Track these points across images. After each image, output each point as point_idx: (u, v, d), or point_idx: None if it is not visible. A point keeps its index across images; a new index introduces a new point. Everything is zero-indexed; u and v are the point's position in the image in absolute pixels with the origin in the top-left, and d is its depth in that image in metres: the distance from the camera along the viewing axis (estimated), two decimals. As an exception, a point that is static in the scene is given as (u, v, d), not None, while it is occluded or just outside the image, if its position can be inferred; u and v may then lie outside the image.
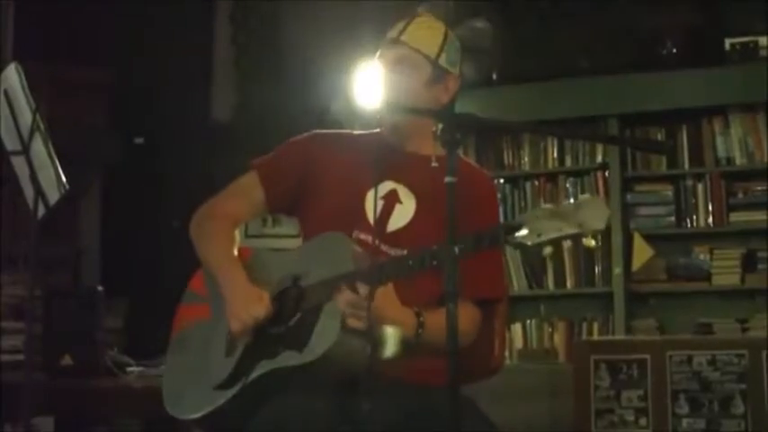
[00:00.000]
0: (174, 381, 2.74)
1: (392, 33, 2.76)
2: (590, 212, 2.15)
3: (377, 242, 2.62)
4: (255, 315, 2.55)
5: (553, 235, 2.18)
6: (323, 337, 2.44)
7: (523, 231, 2.20)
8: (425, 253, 2.34)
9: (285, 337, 2.52)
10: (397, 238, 2.65)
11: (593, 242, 2.19)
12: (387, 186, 2.71)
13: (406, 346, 2.46)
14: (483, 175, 2.95)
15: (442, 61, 2.74)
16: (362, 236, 2.65)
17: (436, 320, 2.39)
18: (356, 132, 2.90)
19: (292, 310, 2.56)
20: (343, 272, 2.47)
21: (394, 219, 2.70)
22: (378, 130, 2.83)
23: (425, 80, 2.73)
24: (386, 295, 2.44)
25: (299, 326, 2.52)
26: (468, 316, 2.59)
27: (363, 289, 2.39)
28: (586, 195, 2.22)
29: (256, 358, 2.54)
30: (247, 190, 2.82)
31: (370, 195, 2.70)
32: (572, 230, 2.16)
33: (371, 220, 2.68)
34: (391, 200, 2.70)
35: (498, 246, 2.38)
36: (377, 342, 2.42)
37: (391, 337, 2.43)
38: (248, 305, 2.57)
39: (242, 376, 2.54)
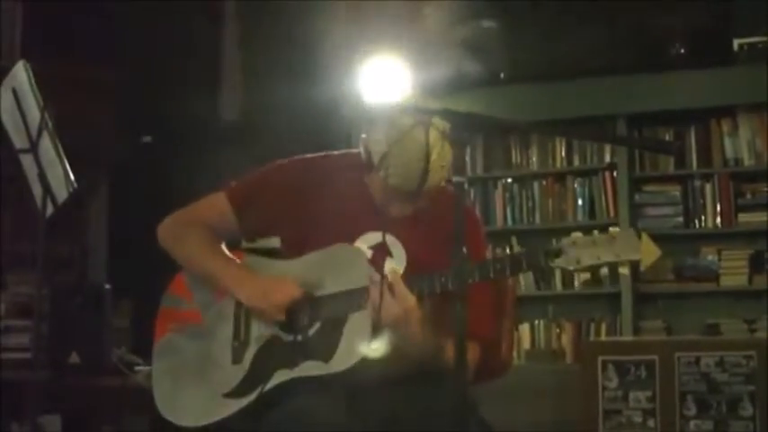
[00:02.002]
0: (167, 386, 2.68)
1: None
2: (625, 244, 2.27)
3: None
4: (289, 293, 2.52)
5: (591, 262, 2.29)
6: (353, 349, 2.42)
7: (563, 257, 2.31)
8: (465, 269, 2.28)
9: (304, 347, 2.49)
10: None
11: (626, 271, 2.32)
12: (377, 237, 2.60)
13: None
14: (469, 209, 2.95)
15: None
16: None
17: (449, 351, 2.36)
18: (338, 161, 2.73)
19: (308, 319, 2.52)
20: (360, 286, 2.45)
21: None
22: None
23: None
24: (421, 311, 2.45)
25: (319, 336, 2.49)
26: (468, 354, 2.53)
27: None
28: (617, 228, 2.31)
29: (271, 366, 2.51)
30: (220, 213, 2.71)
31: (359, 243, 2.61)
32: (609, 259, 2.27)
33: None
34: (381, 253, 2.59)
35: (536, 271, 2.47)
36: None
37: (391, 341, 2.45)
38: (277, 287, 2.53)
39: (257, 384, 2.51)
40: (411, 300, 2.41)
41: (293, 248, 2.67)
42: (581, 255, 2.29)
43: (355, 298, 2.46)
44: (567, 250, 2.31)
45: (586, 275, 2.32)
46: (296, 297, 2.52)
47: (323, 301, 2.51)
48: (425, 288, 2.43)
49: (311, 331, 2.51)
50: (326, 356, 2.43)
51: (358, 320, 2.44)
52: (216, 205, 2.72)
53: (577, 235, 2.31)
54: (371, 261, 2.56)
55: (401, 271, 2.55)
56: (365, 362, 2.40)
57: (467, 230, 2.32)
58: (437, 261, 2.44)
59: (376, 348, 2.42)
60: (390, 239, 2.61)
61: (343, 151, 2.80)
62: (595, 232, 2.31)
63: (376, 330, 2.42)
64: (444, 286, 2.41)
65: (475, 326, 2.36)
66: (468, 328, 2.15)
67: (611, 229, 2.31)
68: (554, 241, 2.22)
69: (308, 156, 2.76)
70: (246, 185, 2.73)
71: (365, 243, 2.61)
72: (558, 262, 2.32)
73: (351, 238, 2.61)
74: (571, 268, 2.31)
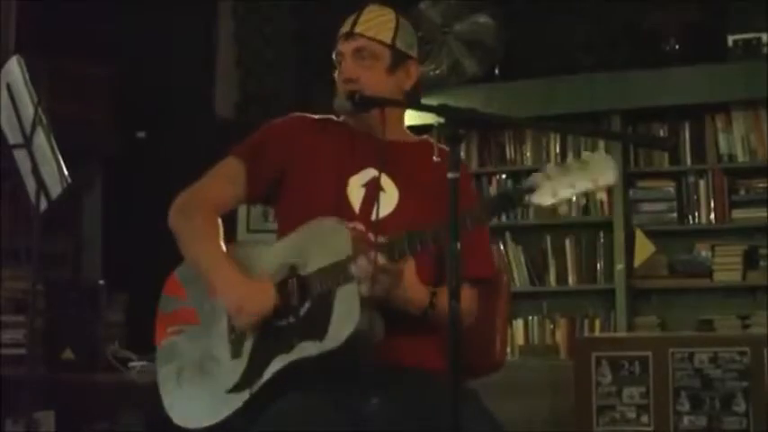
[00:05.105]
0: (174, 392, 2.67)
1: (345, 29, 2.74)
2: (598, 167, 2.24)
3: (367, 232, 2.61)
4: (262, 307, 2.52)
5: (568, 193, 2.25)
6: (344, 322, 2.42)
7: (538, 192, 2.26)
8: (434, 230, 2.37)
9: (297, 328, 2.49)
10: (383, 226, 2.59)
11: (604, 196, 2.28)
12: (368, 174, 2.69)
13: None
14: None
15: (399, 45, 2.73)
16: (350, 225, 2.61)
17: (443, 302, 2.40)
18: (334, 117, 2.83)
19: (299, 300, 2.53)
20: (344, 257, 2.46)
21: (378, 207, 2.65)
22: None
23: (386, 67, 2.71)
24: (410, 268, 2.48)
25: (311, 315, 2.49)
26: (466, 296, 2.53)
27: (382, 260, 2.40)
28: (589, 152, 2.26)
29: (269, 355, 2.50)
30: (232, 178, 2.75)
31: (352, 182, 2.69)
32: (585, 186, 2.24)
33: (356, 209, 2.66)
34: (374, 187, 2.66)
35: (511, 208, 2.45)
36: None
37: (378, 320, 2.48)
38: (254, 298, 2.53)
39: (257, 375, 2.50)
40: (395, 267, 2.43)
41: (292, 202, 2.71)
42: (556, 186, 2.25)
43: (340, 270, 2.46)
44: (541, 184, 2.26)
45: (566, 210, 2.25)
46: (266, 310, 2.52)
47: (310, 279, 2.52)
48: (407, 249, 2.43)
49: (302, 311, 2.51)
50: (320, 334, 2.43)
51: (346, 293, 2.45)
52: (228, 176, 2.76)
53: (551, 166, 2.26)
54: (366, 198, 2.64)
55: (392, 208, 2.64)
56: (359, 334, 2.41)
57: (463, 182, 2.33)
58: (426, 207, 2.56)
59: (367, 318, 2.43)
60: (381, 176, 2.66)
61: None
62: (568, 159, 2.26)
63: (365, 300, 2.42)
64: (426, 243, 2.42)
65: (470, 266, 2.42)
66: (465, 269, 2.20)
67: (584, 153, 2.26)
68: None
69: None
70: (254, 144, 2.79)
71: (359, 180, 2.68)
72: (534, 198, 2.28)
73: (344, 179, 2.68)
74: (548, 203, 2.26)
